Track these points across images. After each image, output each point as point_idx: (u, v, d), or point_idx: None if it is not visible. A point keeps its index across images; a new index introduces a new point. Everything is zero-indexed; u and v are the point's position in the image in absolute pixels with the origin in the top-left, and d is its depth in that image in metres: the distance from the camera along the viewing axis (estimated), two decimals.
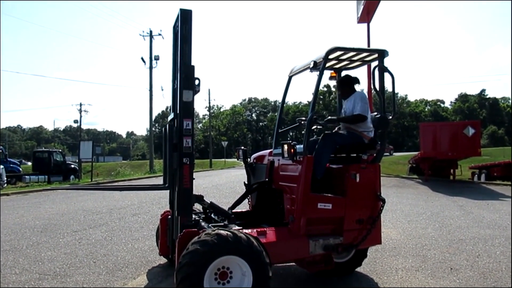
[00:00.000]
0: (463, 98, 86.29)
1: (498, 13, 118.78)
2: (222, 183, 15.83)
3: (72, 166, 27.10)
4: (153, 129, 37.33)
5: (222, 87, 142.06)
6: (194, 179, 3.94)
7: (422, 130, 18.16)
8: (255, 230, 3.72)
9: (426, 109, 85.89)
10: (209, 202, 4.31)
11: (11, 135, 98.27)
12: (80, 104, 54.85)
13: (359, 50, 4.38)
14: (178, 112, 3.97)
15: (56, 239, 6.38)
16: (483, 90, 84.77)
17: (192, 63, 3.91)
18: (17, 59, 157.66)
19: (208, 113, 61.00)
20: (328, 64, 4.82)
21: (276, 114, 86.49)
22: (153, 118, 35.60)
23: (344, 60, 4.76)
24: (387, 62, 4.28)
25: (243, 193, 4.78)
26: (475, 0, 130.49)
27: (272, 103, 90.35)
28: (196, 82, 3.93)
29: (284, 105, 5.60)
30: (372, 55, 4.54)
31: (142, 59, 31.41)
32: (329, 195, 3.99)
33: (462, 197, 11.99)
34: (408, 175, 19.94)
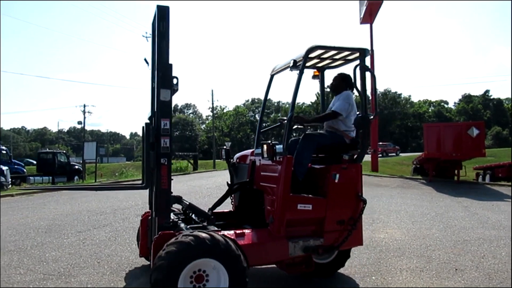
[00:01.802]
0: (467, 98, 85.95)
1: (502, 13, 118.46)
2: (225, 184, 15.75)
3: (76, 167, 27.21)
4: None
5: (225, 88, 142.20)
6: (172, 179, 3.88)
7: (426, 131, 18.09)
8: (233, 232, 3.66)
9: (430, 110, 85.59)
10: (187, 203, 4.26)
11: (15, 137, 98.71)
12: (84, 106, 55.02)
13: (340, 49, 4.32)
14: (155, 111, 3.90)
15: (60, 239, 6.40)
16: (487, 91, 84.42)
17: (171, 62, 3.83)
18: (21, 60, 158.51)
19: (211, 114, 61.03)
20: (310, 63, 4.81)
21: (279, 114, 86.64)
22: None
23: (326, 58, 4.72)
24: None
25: (224, 193, 4.70)
26: (479, 0, 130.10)
27: (275, 103, 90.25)
28: (174, 81, 3.86)
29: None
30: (353, 54, 4.47)
31: (145, 60, 31.35)
32: (309, 196, 3.92)
33: (466, 198, 11.94)
34: (412, 175, 19.87)
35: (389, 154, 46.56)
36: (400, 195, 12.53)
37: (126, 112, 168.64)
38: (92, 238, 6.43)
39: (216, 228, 3.80)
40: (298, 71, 4.07)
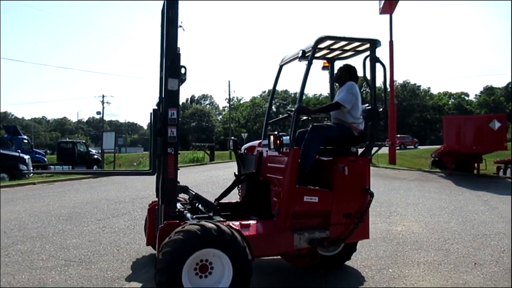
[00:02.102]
0: (489, 91, 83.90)
1: None
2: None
3: (95, 156, 27.63)
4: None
5: (242, 79, 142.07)
6: (179, 169, 3.88)
7: (445, 123, 17.76)
8: (238, 223, 3.65)
9: (450, 102, 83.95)
10: (193, 193, 4.25)
11: (36, 126, 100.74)
12: (103, 96, 55.79)
13: (350, 40, 4.25)
14: (163, 99, 3.88)
15: (80, 227, 6.54)
16: (510, 83, 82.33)
17: (183, 51, 3.83)
18: (43, 51, 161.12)
19: (228, 104, 61.13)
20: (320, 54, 4.75)
21: (295, 106, 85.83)
22: None
23: (336, 49, 4.64)
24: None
25: (230, 184, 4.69)
26: None
27: (292, 95, 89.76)
28: (182, 70, 3.82)
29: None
30: (364, 45, 4.40)
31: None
32: (316, 188, 3.90)
33: (486, 192, 11.73)
34: (431, 168, 19.58)
35: (407, 147, 45.99)
36: (418, 188, 12.39)
37: (144, 103, 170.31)
38: (111, 226, 6.55)
39: (221, 219, 3.81)
40: (306, 62, 4.02)
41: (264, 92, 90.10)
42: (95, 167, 25.99)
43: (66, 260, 4.75)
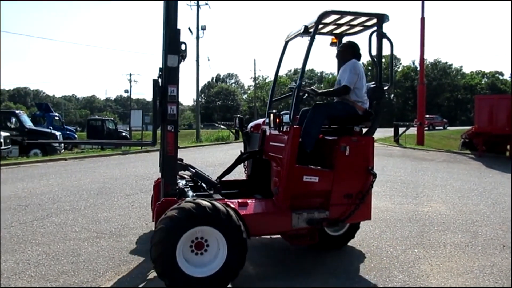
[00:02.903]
0: None
1: None
2: None
3: (123, 134, 28.21)
4: (200, 99, 37.86)
5: (268, 58, 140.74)
6: (179, 147, 3.87)
7: (477, 103, 17.21)
8: (236, 201, 3.65)
9: (483, 82, 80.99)
10: (194, 171, 4.21)
11: (66, 104, 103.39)
12: (130, 74, 56.58)
13: (356, 14, 4.06)
14: (163, 76, 3.84)
15: (111, 201, 6.76)
16: None
17: (179, 27, 3.74)
18: (72, 30, 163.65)
19: (253, 83, 60.95)
20: (327, 30, 4.58)
21: (321, 85, 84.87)
22: (200, 88, 36.05)
23: (343, 25, 4.45)
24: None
25: (233, 162, 4.64)
26: None
27: (318, 74, 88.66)
28: (182, 47, 3.76)
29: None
30: (371, 20, 4.19)
31: (189, 29, 31.61)
32: (316, 167, 3.81)
33: None
34: (460, 150, 19.11)
35: (436, 128, 44.88)
36: (446, 169, 12.14)
37: None
38: (140, 201, 6.74)
39: (220, 197, 3.79)
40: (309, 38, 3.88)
41: (290, 71, 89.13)
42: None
43: (97, 233, 4.94)
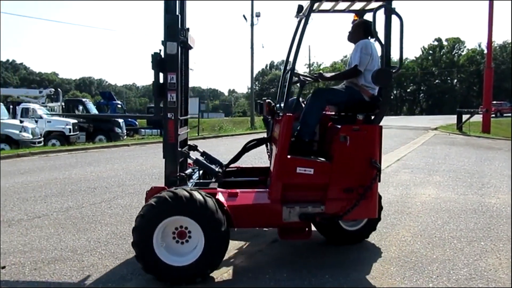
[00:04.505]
0: None
1: None
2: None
3: None
4: (254, 86, 38.07)
5: (323, 44, 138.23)
6: (179, 134, 3.86)
7: None
8: (227, 192, 3.55)
9: None
10: (194, 158, 4.15)
11: (127, 92, 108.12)
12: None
13: None
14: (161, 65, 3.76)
15: None
16: None
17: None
18: (134, 23, 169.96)
19: (308, 70, 60.13)
20: (344, 6, 4.09)
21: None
22: (254, 75, 36.22)
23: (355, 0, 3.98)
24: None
25: (240, 150, 4.40)
26: None
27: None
28: (184, 33, 3.70)
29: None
30: None
31: (244, 16, 31.73)
32: (312, 159, 3.56)
33: None
34: None
35: (504, 115, 41.94)
36: None
37: (224, 69, 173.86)
38: None
39: (215, 186, 3.72)
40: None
41: (345, 56, 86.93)
42: None
43: None
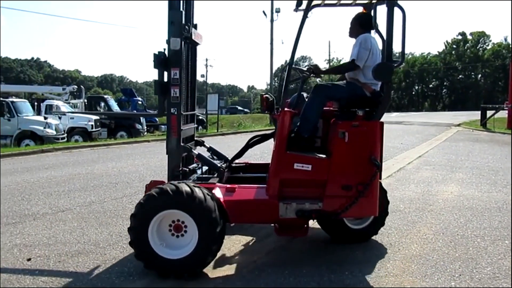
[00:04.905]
0: None
1: None
2: None
3: (200, 117, 29.28)
4: (273, 83, 37.96)
5: (343, 39, 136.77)
6: (183, 129, 3.87)
7: None
8: (225, 186, 3.55)
9: None
10: (197, 153, 4.12)
11: (148, 89, 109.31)
12: (206, 60, 58.24)
13: None
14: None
15: None
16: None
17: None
18: (153, 20, 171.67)
19: (327, 65, 59.71)
20: (346, 1, 4.06)
21: (400, 68, 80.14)
22: (273, 71, 36.13)
23: None
24: None
25: (243, 146, 4.36)
26: None
27: (397, 54, 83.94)
28: (189, 29, 3.71)
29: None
30: None
31: (264, 12, 31.67)
32: (310, 155, 3.50)
33: None
34: None
35: None
36: None
37: (243, 66, 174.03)
38: None
39: (215, 181, 3.73)
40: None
41: None
42: (200, 127, 27.60)
43: None
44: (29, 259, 3.71)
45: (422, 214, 5.15)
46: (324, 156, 3.52)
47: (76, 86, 22.65)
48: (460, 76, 71.50)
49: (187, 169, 4.04)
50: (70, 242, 4.18)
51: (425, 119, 28.12)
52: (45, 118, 16.32)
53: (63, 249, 3.96)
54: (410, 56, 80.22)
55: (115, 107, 22.54)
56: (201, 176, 4.15)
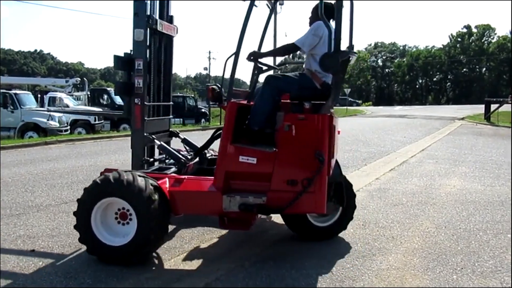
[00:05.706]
0: None
1: None
2: (345, 130, 15.56)
3: (203, 110, 29.24)
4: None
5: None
6: (145, 120, 3.89)
7: None
8: (174, 177, 3.57)
9: None
10: (159, 143, 4.12)
11: None
12: (209, 52, 58.05)
13: None
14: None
15: None
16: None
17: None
18: None
19: None
20: None
21: (404, 60, 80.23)
22: (276, 64, 35.94)
23: None
24: None
25: (209, 138, 4.34)
26: None
27: (401, 47, 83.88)
28: (154, 20, 3.82)
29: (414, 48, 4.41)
30: None
31: (267, 4, 31.44)
32: (255, 148, 3.41)
33: None
34: None
35: None
36: None
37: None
38: None
39: (169, 172, 3.73)
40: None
41: (370, 45, 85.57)
42: (203, 120, 27.60)
43: None
44: (32, 250, 3.74)
45: (425, 208, 5.15)
46: (269, 149, 3.40)
47: (79, 79, 22.67)
48: (465, 69, 71.12)
49: (150, 159, 4.13)
50: (73, 233, 4.17)
51: (429, 112, 28.01)
52: (48, 110, 16.33)
53: (66, 241, 3.98)
54: (414, 49, 79.80)
55: (118, 100, 22.53)
56: (162, 166, 4.17)
